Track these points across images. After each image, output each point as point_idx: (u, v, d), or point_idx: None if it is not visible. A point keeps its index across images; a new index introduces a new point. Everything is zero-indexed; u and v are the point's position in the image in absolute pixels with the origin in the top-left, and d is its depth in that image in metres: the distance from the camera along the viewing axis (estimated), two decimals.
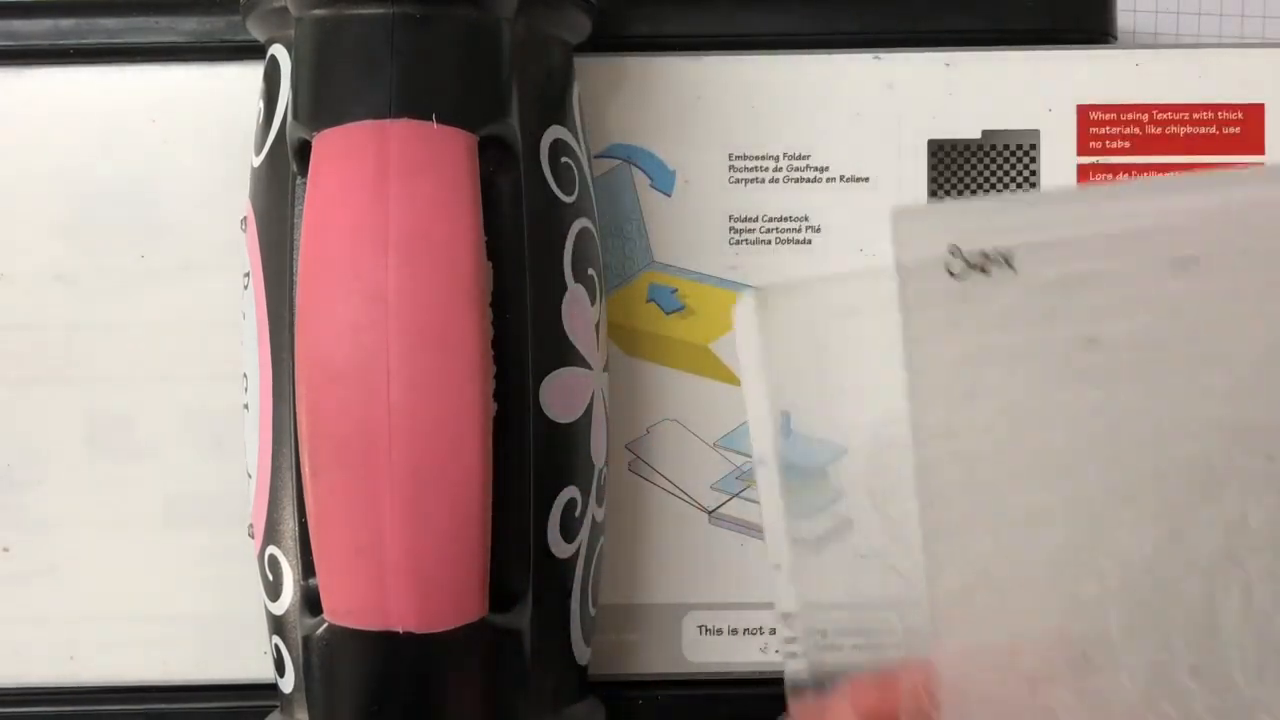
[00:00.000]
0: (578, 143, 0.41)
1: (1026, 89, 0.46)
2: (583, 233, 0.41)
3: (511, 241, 0.39)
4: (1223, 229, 0.32)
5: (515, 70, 0.39)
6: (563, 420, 0.40)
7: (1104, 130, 0.45)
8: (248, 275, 0.41)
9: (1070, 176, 0.45)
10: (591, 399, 0.41)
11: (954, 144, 0.45)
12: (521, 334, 0.39)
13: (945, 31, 0.46)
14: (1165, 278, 0.32)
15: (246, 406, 0.41)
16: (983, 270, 0.32)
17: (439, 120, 0.37)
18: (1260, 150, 0.45)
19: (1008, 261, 0.32)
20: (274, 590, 0.40)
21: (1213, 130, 0.45)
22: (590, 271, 0.41)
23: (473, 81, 0.38)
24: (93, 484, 0.46)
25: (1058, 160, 0.45)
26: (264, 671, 0.43)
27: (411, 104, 0.37)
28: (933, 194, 0.45)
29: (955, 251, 0.32)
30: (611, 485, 0.45)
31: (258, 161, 0.41)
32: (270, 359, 0.40)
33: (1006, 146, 0.45)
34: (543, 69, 0.40)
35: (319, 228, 0.37)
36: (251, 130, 0.42)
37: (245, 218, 0.41)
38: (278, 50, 0.40)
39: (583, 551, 0.41)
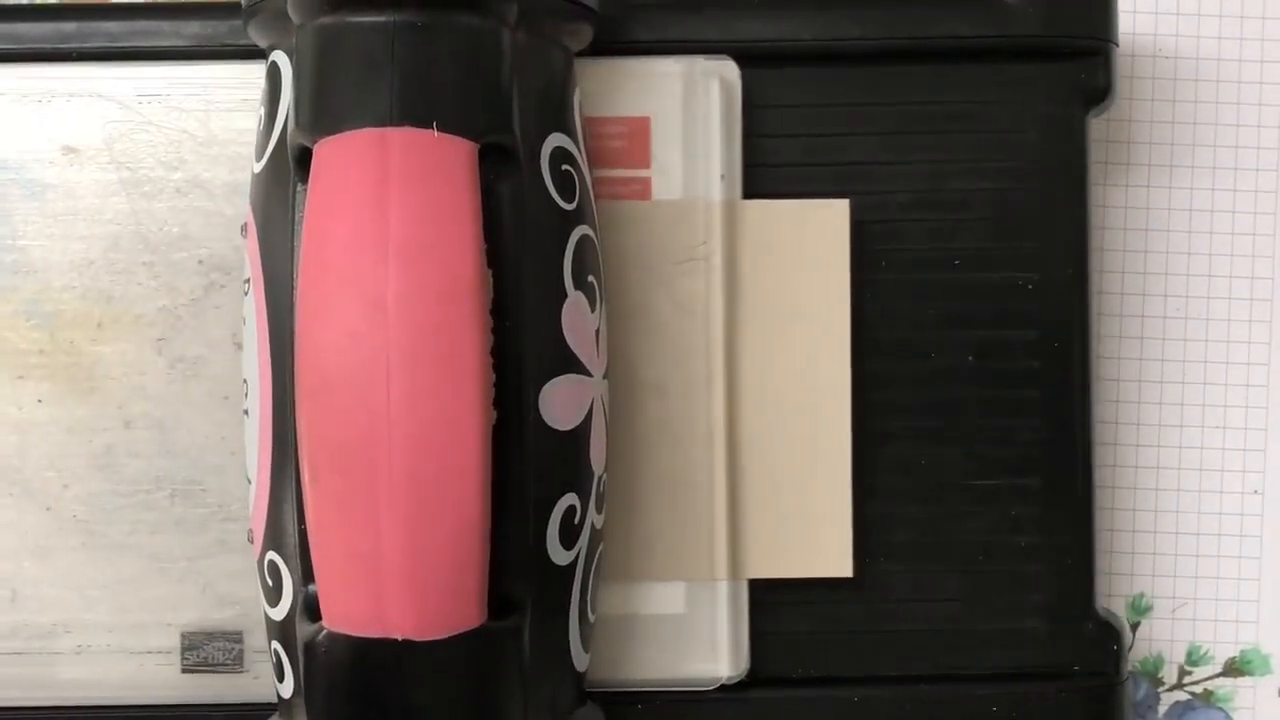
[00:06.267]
0: (578, 150, 0.41)
1: None
2: (583, 240, 0.41)
3: (511, 249, 0.39)
4: None
5: (516, 78, 0.39)
6: (562, 427, 0.40)
7: None
8: (248, 281, 0.41)
9: None
10: (591, 406, 0.41)
11: None
12: (521, 341, 0.39)
13: (943, 37, 0.46)
14: None
15: (247, 412, 0.41)
16: None
17: (439, 128, 0.37)
18: (646, 164, 0.45)
19: None
20: (273, 596, 0.40)
21: (598, 144, 0.45)
22: (590, 279, 0.41)
23: (473, 89, 0.38)
24: None
25: None
26: None
27: (412, 112, 0.37)
28: None
29: None
30: None
31: (259, 167, 0.41)
32: (270, 365, 0.40)
33: None
34: (543, 76, 0.40)
35: (319, 234, 0.37)
36: (252, 136, 0.42)
37: (245, 224, 0.41)
38: (279, 57, 0.40)
39: (582, 559, 0.41)
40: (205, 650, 0.45)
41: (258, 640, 0.45)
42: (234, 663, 0.45)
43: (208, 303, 0.45)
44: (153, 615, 0.45)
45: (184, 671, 0.45)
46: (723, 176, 0.45)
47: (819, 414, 0.46)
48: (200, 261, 0.45)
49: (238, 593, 0.45)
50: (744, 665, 0.46)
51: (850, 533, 0.46)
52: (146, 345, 0.45)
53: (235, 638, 0.45)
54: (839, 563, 0.46)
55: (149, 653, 0.45)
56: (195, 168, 0.45)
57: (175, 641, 0.45)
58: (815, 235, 0.45)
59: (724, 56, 0.45)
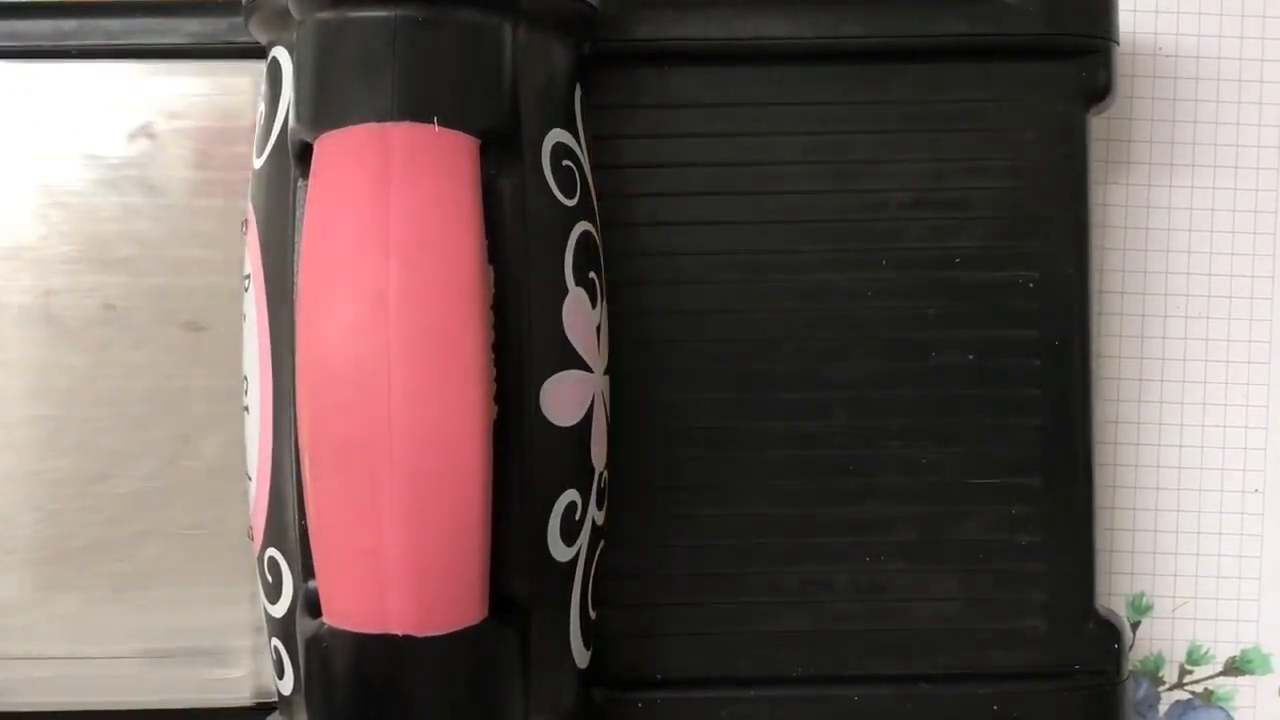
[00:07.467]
0: (579, 146, 0.41)
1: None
2: (584, 236, 0.41)
3: (512, 244, 0.39)
4: None
5: (517, 73, 0.39)
6: (563, 423, 0.40)
7: None
8: (248, 278, 0.41)
9: None
10: (592, 402, 0.41)
11: None
12: (522, 337, 0.39)
13: (943, 36, 0.46)
14: None
15: (247, 408, 0.41)
16: None
17: (441, 123, 0.37)
18: None
19: None
20: (274, 592, 0.40)
21: None
22: (591, 274, 0.41)
23: (474, 84, 0.38)
24: None
25: None
26: None
27: (413, 107, 0.37)
28: None
29: None
30: None
31: (259, 163, 0.41)
32: (270, 361, 0.40)
33: None
34: (545, 72, 0.40)
35: (320, 230, 0.37)
36: (253, 132, 0.42)
37: (245, 220, 0.41)
38: (279, 52, 0.40)
39: (582, 555, 0.41)
40: None
41: None
42: None
43: None
44: None
45: None
46: None
47: None
48: None
49: None
50: None
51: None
52: None
53: None
54: None
55: None
56: None
57: None
58: None
59: None
